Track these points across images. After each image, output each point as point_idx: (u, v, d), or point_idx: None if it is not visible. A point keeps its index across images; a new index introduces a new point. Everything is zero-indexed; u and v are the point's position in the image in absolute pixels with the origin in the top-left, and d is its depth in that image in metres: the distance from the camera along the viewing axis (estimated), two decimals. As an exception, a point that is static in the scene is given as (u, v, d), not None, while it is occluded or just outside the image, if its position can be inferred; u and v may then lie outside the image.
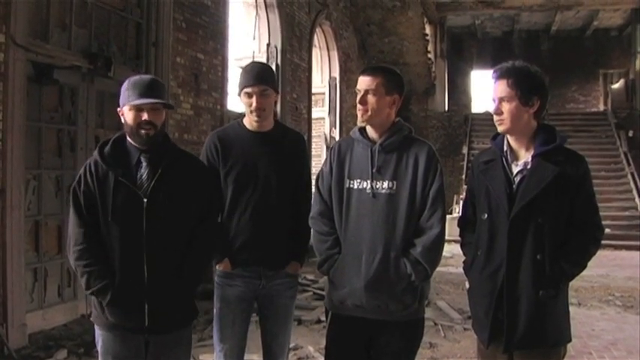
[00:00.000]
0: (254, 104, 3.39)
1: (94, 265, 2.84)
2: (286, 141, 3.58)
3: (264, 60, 12.14)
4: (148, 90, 2.92)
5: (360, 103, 3.08)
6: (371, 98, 3.06)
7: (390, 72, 3.17)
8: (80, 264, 2.85)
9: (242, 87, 3.43)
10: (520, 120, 2.86)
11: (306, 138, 14.09)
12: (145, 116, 2.89)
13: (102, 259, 2.87)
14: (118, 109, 3.00)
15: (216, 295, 3.53)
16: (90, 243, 2.86)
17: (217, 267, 3.51)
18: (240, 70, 3.57)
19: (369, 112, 3.07)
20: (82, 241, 2.86)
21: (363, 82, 3.09)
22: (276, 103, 3.63)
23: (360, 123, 3.15)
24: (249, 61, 12.13)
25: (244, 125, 3.54)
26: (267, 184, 3.42)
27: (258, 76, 3.41)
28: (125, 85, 2.97)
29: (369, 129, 3.15)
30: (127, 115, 2.93)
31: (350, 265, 3.04)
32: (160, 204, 2.89)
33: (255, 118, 3.44)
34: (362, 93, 3.08)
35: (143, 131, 2.90)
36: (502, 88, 2.86)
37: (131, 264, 2.86)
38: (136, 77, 3.01)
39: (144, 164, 2.94)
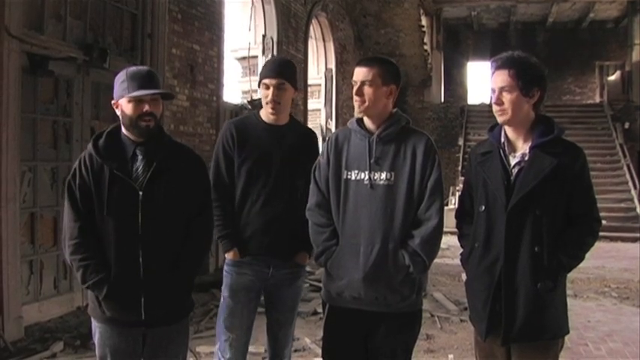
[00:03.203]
0: (270, 96, 3.48)
1: (89, 259, 2.82)
2: (299, 136, 3.65)
3: (259, 51, 12.14)
4: (147, 81, 2.88)
5: (357, 94, 3.06)
6: (367, 89, 3.04)
7: (386, 62, 3.15)
8: (75, 258, 2.83)
9: (261, 78, 3.54)
10: (520, 110, 2.84)
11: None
12: (146, 107, 2.86)
13: (98, 253, 2.84)
14: (113, 101, 2.96)
15: (225, 283, 3.58)
16: (85, 237, 2.83)
17: (226, 255, 3.57)
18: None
19: (366, 103, 3.06)
20: (77, 236, 2.83)
21: (360, 73, 3.07)
22: (293, 100, 3.70)
23: (357, 114, 3.14)
24: (245, 52, 12.15)
25: (260, 117, 3.61)
26: (279, 175, 3.49)
27: (277, 69, 3.52)
28: (121, 76, 2.91)
29: (366, 120, 3.14)
30: (125, 107, 2.88)
31: (348, 257, 3.03)
32: (155, 197, 2.87)
33: (271, 110, 3.52)
34: (358, 84, 3.06)
35: (144, 123, 2.87)
36: (503, 78, 2.83)
37: (127, 257, 2.84)
38: (133, 68, 2.96)
39: (139, 157, 2.91)
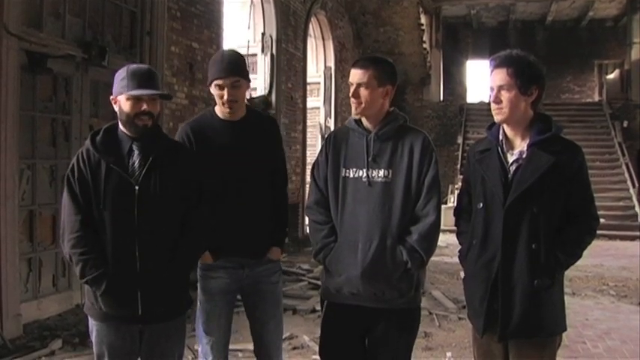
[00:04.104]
0: (225, 96, 3.30)
1: (89, 253, 2.83)
2: (259, 127, 3.52)
3: (258, 50, 12.14)
4: (147, 80, 2.91)
5: (353, 96, 3.08)
6: (363, 91, 3.06)
7: (381, 62, 3.15)
8: (75, 252, 2.84)
9: (212, 79, 3.33)
10: (518, 109, 2.84)
11: (301, 128, 13.97)
12: (144, 106, 2.88)
13: (97, 248, 2.85)
14: (111, 97, 2.97)
15: (200, 287, 3.48)
16: (86, 231, 2.85)
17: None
18: (210, 60, 3.47)
19: (363, 105, 3.07)
20: (78, 229, 2.84)
21: (355, 75, 3.08)
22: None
23: (354, 116, 3.16)
24: (244, 50, 12.15)
25: (216, 114, 3.46)
26: (243, 172, 3.37)
27: (228, 67, 3.31)
28: (122, 73, 2.93)
29: (364, 119, 3.15)
30: (123, 104, 2.90)
31: (346, 253, 3.04)
32: (151, 191, 2.88)
33: (228, 110, 3.36)
34: (354, 87, 3.07)
35: (141, 122, 2.89)
36: (501, 76, 2.83)
37: (123, 252, 2.85)
38: (134, 66, 2.98)
39: (135, 152, 2.93)
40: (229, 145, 3.38)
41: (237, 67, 3.35)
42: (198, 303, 3.49)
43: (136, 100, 2.88)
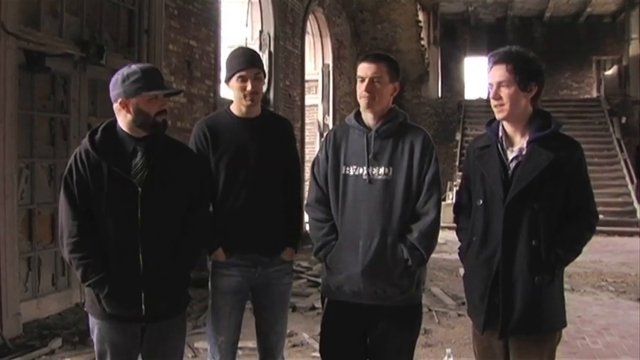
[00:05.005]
0: (249, 88, 3.33)
1: (89, 257, 2.80)
2: (274, 126, 3.55)
3: (256, 47, 12.11)
4: (160, 79, 2.93)
5: (367, 90, 3.06)
6: (377, 85, 3.06)
7: (391, 59, 3.17)
8: (75, 257, 2.81)
9: (235, 71, 3.36)
10: (518, 105, 2.85)
11: (299, 125, 13.93)
12: (164, 105, 2.91)
13: (97, 251, 2.82)
14: (119, 100, 2.86)
15: (211, 285, 3.47)
16: (84, 235, 2.81)
17: (209, 258, 3.44)
18: (229, 56, 3.51)
19: (376, 99, 3.07)
20: (76, 234, 2.80)
21: (369, 69, 3.08)
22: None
23: (364, 110, 3.14)
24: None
25: (232, 112, 3.48)
26: (259, 170, 3.37)
27: (250, 60, 3.39)
28: (132, 75, 2.84)
29: (365, 116, 3.15)
30: (144, 105, 2.84)
31: (347, 251, 3.05)
32: (155, 193, 2.86)
33: (249, 103, 3.38)
34: (367, 80, 3.06)
35: (161, 118, 2.90)
36: (501, 72, 2.83)
37: (126, 253, 2.82)
38: (145, 67, 2.93)
39: (139, 153, 2.89)
40: (244, 142, 3.39)
41: (257, 60, 3.43)
42: (210, 301, 3.48)
43: (154, 100, 2.86)
